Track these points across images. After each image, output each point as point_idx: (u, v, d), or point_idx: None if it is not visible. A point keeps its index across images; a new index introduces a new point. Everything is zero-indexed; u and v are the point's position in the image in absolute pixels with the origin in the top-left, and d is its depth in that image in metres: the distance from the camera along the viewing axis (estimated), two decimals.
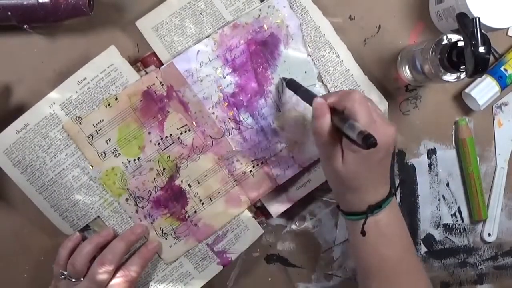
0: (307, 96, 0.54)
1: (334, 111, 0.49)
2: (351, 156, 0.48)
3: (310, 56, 0.60)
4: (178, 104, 0.58)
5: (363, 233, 0.51)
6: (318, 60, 0.60)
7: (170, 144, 0.59)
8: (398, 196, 0.65)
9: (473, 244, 0.67)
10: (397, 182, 0.54)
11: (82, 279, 0.54)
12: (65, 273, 0.55)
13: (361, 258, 0.54)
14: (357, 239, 0.52)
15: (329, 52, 0.61)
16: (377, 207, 0.51)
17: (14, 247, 0.61)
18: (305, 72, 0.60)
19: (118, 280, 0.55)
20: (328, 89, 0.61)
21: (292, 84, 0.58)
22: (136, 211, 0.59)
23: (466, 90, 0.63)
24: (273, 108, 0.60)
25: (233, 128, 0.59)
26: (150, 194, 0.59)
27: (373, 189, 0.51)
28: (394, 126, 0.50)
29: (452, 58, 0.54)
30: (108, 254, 0.55)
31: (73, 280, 0.54)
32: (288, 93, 0.60)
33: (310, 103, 0.51)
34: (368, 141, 0.42)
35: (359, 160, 0.48)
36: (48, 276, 0.59)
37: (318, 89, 0.60)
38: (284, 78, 0.59)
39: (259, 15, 0.58)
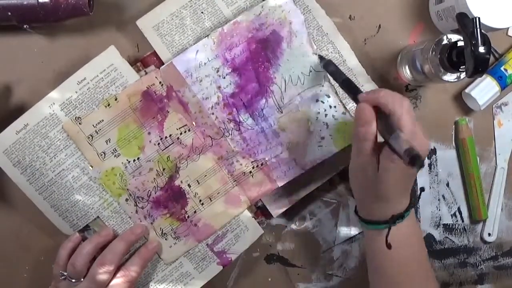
0: (350, 87, 0.52)
1: (378, 113, 0.48)
2: (388, 166, 0.48)
3: (316, 54, 0.60)
4: (178, 104, 0.58)
5: (388, 246, 0.50)
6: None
7: (170, 144, 0.59)
8: None
9: (473, 244, 0.67)
10: (418, 191, 0.54)
11: (82, 279, 0.54)
12: (65, 273, 0.55)
13: (379, 266, 0.54)
14: (376, 247, 0.52)
15: (331, 52, 0.61)
16: (399, 217, 0.51)
17: (14, 247, 0.61)
18: (310, 71, 0.60)
19: (118, 280, 0.55)
20: (335, 89, 0.60)
21: (331, 67, 0.55)
22: (136, 211, 0.59)
23: (466, 90, 0.63)
24: (275, 109, 0.60)
25: (233, 128, 0.59)
26: (150, 194, 0.59)
27: (399, 200, 0.51)
28: (428, 142, 0.49)
29: (452, 58, 0.54)
30: (108, 254, 0.55)
31: (73, 280, 0.54)
32: (291, 93, 0.59)
33: (352, 95, 0.50)
34: (416, 161, 0.41)
35: (396, 171, 0.48)
36: (48, 276, 0.59)
37: (325, 89, 0.60)
38: (321, 57, 0.57)
39: (261, 12, 0.58)
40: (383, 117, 0.48)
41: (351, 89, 0.53)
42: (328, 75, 0.58)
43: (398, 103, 0.47)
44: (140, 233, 0.58)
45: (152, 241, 0.59)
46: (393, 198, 0.50)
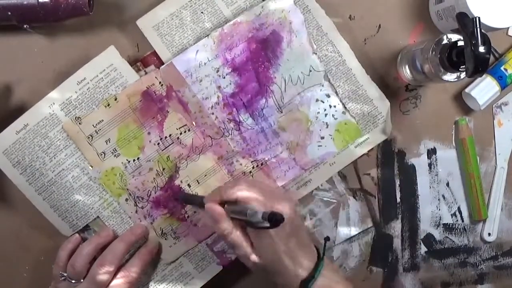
0: (196, 201, 0.55)
1: (228, 204, 0.49)
2: (260, 242, 0.48)
3: (316, 53, 0.60)
4: (178, 104, 0.58)
5: None
6: (320, 59, 0.60)
7: (170, 144, 0.59)
8: (398, 196, 0.65)
9: (473, 244, 0.67)
10: (324, 241, 0.53)
11: (82, 280, 0.54)
12: (65, 274, 0.55)
13: None
14: None
15: (331, 52, 0.61)
16: (310, 278, 0.49)
17: (14, 247, 0.61)
18: (310, 71, 0.60)
19: (118, 281, 0.55)
20: (335, 89, 0.60)
21: (186, 198, 0.58)
22: (136, 211, 0.59)
23: (466, 90, 0.63)
24: (274, 109, 0.60)
25: (232, 128, 0.59)
26: (150, 194, 0.59)
27: (298, 263, 0.50)
28: (290, 199, 0.50)
29: (452, 58, 0.54)
30: (108, 255, 0.55)
31: (73, 281, 0.54)
32: (291, 92, 0.59)
33: (201, 206, 0.52)
34: (274, 219, 0.42)
35: (268, 243, 0.48)
36: (48, 276, 0.59)
37: (324, 88, 0.60)
38: (177, 197, 0.59)
39: (261, 12, 0.58)
40: (234, 205, 0.49)
41: (195, 200, 0.55)
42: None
43: (234, 189, 0.49)
44: (141, 233, 0.58)
45: (152, 241, 0.59)
46: (288, 266, 0.49)
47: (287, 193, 0.51)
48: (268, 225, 0.43)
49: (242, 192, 0.49)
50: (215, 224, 0.50)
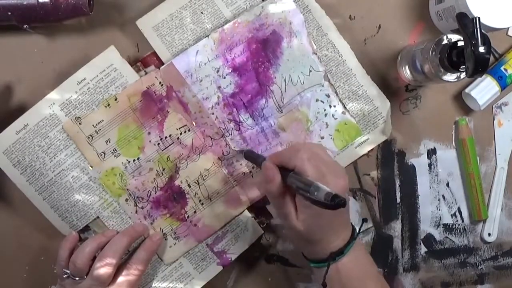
0: (257, 160, 0.54)
1: (286, 169, 0.49)
2: (305, 212, 0.48)
3: (316, 54, 0.60)
4: (178, 104, 0.58)
5: (323, 284, 0.50)
6: (321, 59, 0.60)
7: (170, 145, 0.59)
8: (398, 196, 0.65)
9: (473, 244, 0.67)
10: (361, 223, 0.54)
11: (85, 277, 0.54)
12: (68, 271, 0.55)
13: None
14: (319, 284, 0.51)
15: (331, 52, 0.61)
16: (339, 253, 0.50)
17: (14, 248, 0.61)
18: (310, 71, 0.60)
19: (124, 273, 0.55)
20: (335, 89, 0.60)
21: (249, 155, 0.58)
22: (136, 212, 0.59)
23: (466, 90, 0.63)
24: (274, 109, 0.60)
25: (233, 128, 0.59)
26: (150, 195, 0.59)
27: (333, 238, 0.50)
28: (344, 176, 0.50)
29: (452, 58, 0.54)
30: (109, 250, 0.55)
31: (77, 278, 0.54)
32: (291, 92, 0.59)
33: (260, 165, 0.52)
34: (336, 201, 0.41)
35: (314, 215, 0.48)
36: (48, 276, 0.59)
37: (324, 89, 0.60)
38: (241, 151, 0.59)
39: (261, 13, 0.58)
40: (291, 174, 0.48)
41: (256, 159, 0.55)
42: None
43: (294, 156, 0.48)
44: (142, 230, 0.58)
45: (156, 233, 0.59)
46: (324, 238, 0.50)
47: (342, 170, 0.51)
48: (327, 203, 0.42)
49: (302, 164, 0.48)
50: (267, 183, 0.50)
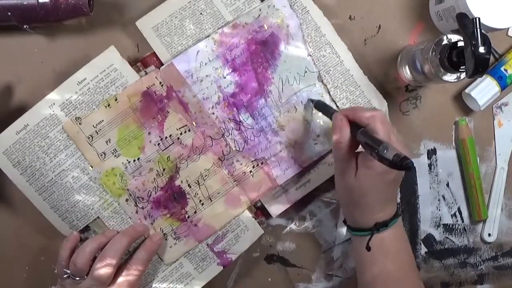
0: (328, 111, 0.55)
1: (356, 126, 0.50)
2: (365, 172, 0.49)
3: (311, 56, 0.60)
4: (178, 104, 0.58)
5: (368, 248, 0.51)
6: (318, 60, 0.60)
7: (170, 145, 0.59)
8: (398, 196, 0.65)
9: (473, 244, 0.67)
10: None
11: (85, 277, 0.54)
12: (68, 271, 0.55)
13: (365, 273, 0.54)
14: (362, 254, 0.53)
15: (329, 52, 0.61)
16: (383, 225, 0.51)
17: (14, 248, 0.61)
18: (305, 72, 0.60)
19: (124, 273, 0.55)
20: (328, 89, 0.61)
21: (320, 105, 0.59)
22: (136, 212, 0.59)
23: (466, 90, 0.63)
24: (273, 108, 0.60)
25: (233, 128, 0.59)
26: (150, 195, 0.59)
27: (382, 208, 0.52)
28: (408, 151, 0.50)
29: (452, 58, 0.54)
30: (110, 250, 0.55)
31: (77, 278, 0.54)
32: (288, 92, 0.60)
33: (330, 116, 0.53)
34: (405, 163, 0.42)
35: (373, 177, 0.49)
36: (48, 276, 0.59)
37: (317, 89, 0.60)
38: (312, 100, 0.60)
39: (259, 15, 0.58)
40: (363, 130, 0.49)
41: (327, 110, 0.56)
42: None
43: (371, 115, 0.49)
44: (142, 230, 0.58)
45: (156, 233, 0.59)
46: (374, 205, 0.51)
47: (405, 147, 0.52)
48: (395, 163, 0.42)
49: (376, 124, 0.48)
50: (336, 134, 0.50)
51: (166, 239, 0.60)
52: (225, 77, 0.59)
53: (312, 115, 0.61)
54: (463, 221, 0.67)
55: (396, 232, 0.53)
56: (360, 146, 0.51)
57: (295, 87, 0.60)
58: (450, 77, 0.55)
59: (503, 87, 0.63)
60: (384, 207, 0.52)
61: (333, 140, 0.51)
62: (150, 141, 0.58)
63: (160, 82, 0.58)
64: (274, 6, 0.58)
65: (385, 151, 0.44)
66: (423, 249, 0.66)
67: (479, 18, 0.48)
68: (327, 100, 0.61)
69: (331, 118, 0.54)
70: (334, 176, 0.54)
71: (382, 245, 0.52)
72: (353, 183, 0.50)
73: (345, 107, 0.61)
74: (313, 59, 0.60)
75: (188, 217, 0.60)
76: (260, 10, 0.58)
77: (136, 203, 0.59)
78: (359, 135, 0.49)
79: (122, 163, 0.58)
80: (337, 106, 0.61)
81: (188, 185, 0.59)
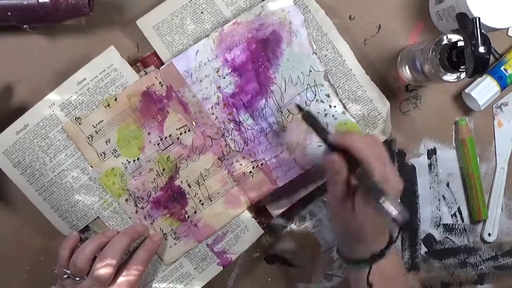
0: (320, 132, 0.53)
1: (350, 159, 0.49)
2: (363, 207, 0.48)
3: (316, 54, 0.60)
4: (178, 104, 0.58)
5: (370, 285, 0.50)
6: (320, 60, 0.60)
7: (170, 145, 0.59)
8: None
9: (473, 244, 0.67)
10: (398, 229, 0.55)
11: (85, 277, 0.54)
12: (68, 272, 0.54)
13: None
14: (359, 286, 0.52)
15: (331, 52, 0.61)
16: (381, 255, 0.51)
17: (14, 247, 0.61)
18: (310, 71, 0.60)
19: (125, 273, 0.55)
20: (335, 89, 0.60)
21: (309, 118, 0.55)
22: (136, 212, 0.59)
23: (466, 90, 0.63)
24: (275, 109, 0.60)
25: (233, 128, 0.59)
26: (150, 195, 0.59)
27: (378, 238, 0.51)
28: (401, 181, 0.50)
29: (452, 58, 0.54)
30: (109, 250, 0.54)
31: (77, 279, 0.54)
32: (291, 92, 0.59)
33: (322, 138, 0.51)
34: (402, 219, 0.43)
35: (371, 211, 0.48)
36: (48, 276, 0.59)
37: (325, 89, 0.60)
38: (299, 107, 0.57)
39: (261, 12, 0.58)
40: (361, 173, 0.48)
41: (319, 130, 0.53)
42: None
43: (367, 149, 0.48)
44: (142, 230, 0.58)
45: (156, 233, 0.59)
46: (371, 238, 0.51)
47: (398, 176, 0.51)
48: (396, 219, 0.43)
49: (371, 161, 0.47)
50: (331, 175, 0.49)
51: (166, 239, 0.60)
52: (224, 77, 0.59)
53: (316, 116, 0.60)
54: (463, 221, 0.67)
55: (392, 261, 0.52)
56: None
57: (299, 87, 0.60)
58: (450, 77, 0.55)
59: (503, 87, 0.63)
60: (380, 236, 0.51)
61: (329, 182, 0.50)
62: (150, 141, 0.58)
63: (160, 82, 0.58)
64: (276, 3, 0.58)
65: (384, 203, 0.44)
66: (423, 249, 0.66)
67: (479, 18, 0.48)
68: (335, 100, 0.60)
69: (320, 135, 0.52)
70: (327, 207, 0.53)
71: (378, 276, 0.51)
72: (350, 218, 0.49)
73: (348, 106, 0.61)
74: (319, 57, 0.60)
75: (188, 217, 0.60)
76: (262, 7, 0.58)
77: (136, 203, 0.59)
78: (359, 178, 0.48)
79: (122, 163, 0.58)
80: (345, 108, 0.61)
81: (188, 185, 0.59)
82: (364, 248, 0.51)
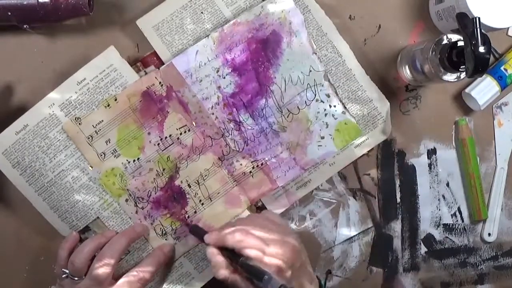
0: (200, 236, 0.55)
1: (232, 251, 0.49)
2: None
3: (316, 53, 0.60)
4: (178, 104, 0.58)
5: None
6: (320, 59, 0.60)
7: (170, 145, 0.59)
8: (398, 196, 0.65)
9: (473, 244, 0.67)
10: (326, 275, 0.55)
11: (84, 277, 0.54)
12: (67, 271, 0.54)
13: None
14: None
15: (331, 52, 0.61)
16: None
17: (14, 248, 0.61)
18: (310, 71, 0.60)
19: (130, 279, 0.55)
20: (335, 89, 0.60)
21: (193, 229, 0.59)
22: (136, 212, 0.59)
23: (466, 90, 0.63)
24: (275, 109, 0.60)
25: (233, 128, 0.59)
26: (150, 195, 0.59)
27: None
28: (291, 239, 0.50)
29: (452, 58, 0.54)
30: (108, 250, 0.54)
31: (76, 278, 0.54)
32: (291, 92, 0.59)
33: (201, 239, 0.53)
34: None
35: None
36: (48, 276, 0.59)
37: (325, 89, 0.60)
38: (188, 225, 0.60)
39: (261, 12, 0.58)
40: (242, 262, 0.48)
41: (199, 234, 0.55)
42: None
43: (232, 239, 0.49)
44: (141, 231, 0.58)
45: (167, 244, 0.59)
46: None
47: (289, 234, 0.51)
48: None
49: (240, 246, 0.48)
50: (214, 271, 0.50)
51: (166, 239, 0.60)
52: (224, 77, 0.59)
53: (316, 116, 0.60)
54: (463, 221, 0.67)
55: None
56: None
57: (299, 87, 0.60)
58: (450, 77, 0.55)
59: (503, 86, 0.63)
60: None
61: (216, 275, 0.50)
62: (150, 141, 0.58)
63: (160, 82, 0.58)
64: (276, 2, 0.58)
65: (268, 285, 0.44)
66: (423, 249, 0.66)
67: (479, 18, 0.48)
68: (335, 100, 0.60)
69: (200, 239, 0.54)
70: None
71: None
72: None
73: (348, 106, 0.61)
74: (319, 58, 0.60)
75: (188, 217, 0.60)
76: (262, 7, 0.58)
77: (136, 203, 0.59)
78: (240, 269, 0.48)
79: (122, 163, 0.58)
80: (345, 108, 0.61)
81: (188, 185, 0.59)
82: None
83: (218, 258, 0.50)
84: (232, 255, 0.50)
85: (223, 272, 0.50)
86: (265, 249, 0.48)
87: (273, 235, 0.50)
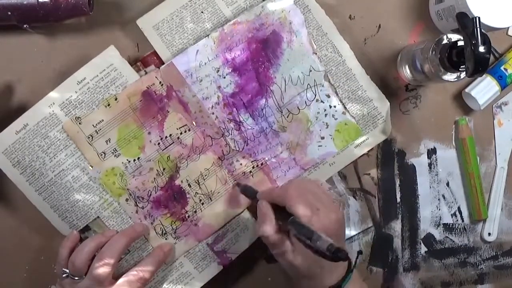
0: (251, 194, 0.55)
1: (279, 209, 0.50)
2: (302, 248, 0.47)
3: (316, 53, 0.60)
4: (178, 104, 0.58)
5: None
6: (320, 59, 0.60)
7: (170, 144, 0.59)
8: (398, 196, 0.65)
9: (473, 243, 0.67)
10: (357, 254, 0.54)
11: (84, 276, 0.54)
12: (67, 271, 0.54)
13: None
14: None
15: (331, 52, 0.61)
16: (337, 287, 0.50)
17: (14, 248, 0.61)
18: (310, 71, 0.60)
19: (130, 278, 0.55)
20: (335, 89, 0.60)
21: (242, 188, 0.59)
22: (136, 211, 0.59)
23: (466, 90, 0.63)
24: (275, 109, 0.60)
25: (233, 128, 0.59)
26: (150, 194, 0.59)
27: (329, 272, 0.50)
28: (336, 210, 0.50)
29: (452, 57, 0.54)
30: (108, 249, 0.54)
31: (76, 278, 0.54)
32: (291, 92, 0.59)
33: (253, 199, 0.53)
34: (338, 255, 0.42)
35: (305, 253, 0.48)
36: (48, 276, 0.59)
37: (325, 89, 0.60)
38: (238, 184, 0.60)
39: (261, 12, 0.58)
40: (292, 220, 0.48)
41: (250, 193, 0.56)
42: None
43: (284, 195, 0.49)
44: (141, 231, 0.58)
45: (167, 243, 0.59)
46: (320, 273, 0.50)
47: (334, 203, 0.51)
48: (328, 255, 0.42)
49: (292, 203, 0.48)
50: (260, 225, 0.50)
51: (166, 239, 0.60)
52: (224, 77, 0.59)
53: (316, 116, 0.60)
54: (463, 221, 0.67)
55: (354, 286, 0.51)
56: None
57: (299, 87, 0.60)
58: (450, 77, 0.55)
59: (503, 86, 0.63)
60: (332, 270, 0.50)
61: (259, 231, 0.50)
62: (150, 141, 0.58)
63: (160, 82, 0.58)
64: (277, 2, 0.58)
65: (317, 243, 0.44)
66: (423, 249, 0.66)
67: (479, 18, 0.48)
68: (335, 101, 0.60)
69: (253, 200, 0.54)
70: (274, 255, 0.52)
71: None
72: (293, 260, 0.49)
73: (348, 106, 0.61)
74: (319, 57, 0.60)
75: (188, 216, 0.60)
76: (262, 7, 0.58)
77: (136, 202, 0.59)
78: (289, 227, 0.48)
79: (122, 162, 0.58)
80: (345, 108, 0.61)
81: (188, 184, 0.59)
82: (317, 285, 0.50)
83: (270, 211, 0.50)
84: (280, 215, 0.49)
85: (269, 228, 0.49)
86: (315, 212, 0.48)
87: (323, 202, 0.50)
